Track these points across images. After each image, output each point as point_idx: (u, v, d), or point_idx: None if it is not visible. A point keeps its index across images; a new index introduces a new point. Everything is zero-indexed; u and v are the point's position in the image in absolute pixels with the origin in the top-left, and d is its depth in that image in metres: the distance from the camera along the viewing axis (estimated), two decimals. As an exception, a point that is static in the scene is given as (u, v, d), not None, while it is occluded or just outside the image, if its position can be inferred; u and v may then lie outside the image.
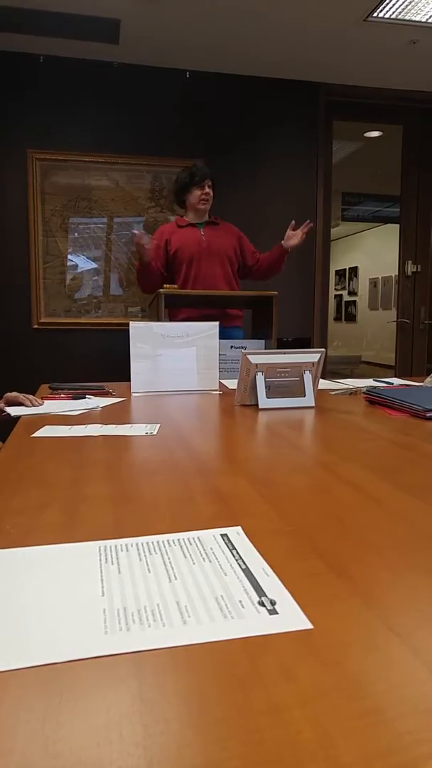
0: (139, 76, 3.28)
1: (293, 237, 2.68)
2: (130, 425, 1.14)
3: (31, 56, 3.15)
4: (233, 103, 3.41)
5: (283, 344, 3.02)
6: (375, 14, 2.74)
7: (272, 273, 2.83)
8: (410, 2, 2.65)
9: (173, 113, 3.34)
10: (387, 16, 2.76)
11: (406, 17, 2.77)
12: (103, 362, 3.26)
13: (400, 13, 2.74)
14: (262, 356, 1.33)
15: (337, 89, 3.51)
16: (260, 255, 2.82)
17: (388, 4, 2.66)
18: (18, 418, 1.24)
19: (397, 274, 4.01)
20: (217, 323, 1.71)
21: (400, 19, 2.79)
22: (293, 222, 2.72)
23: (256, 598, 0.43)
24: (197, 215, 2.74)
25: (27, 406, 1.35)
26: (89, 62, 3.21)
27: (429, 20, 2.80)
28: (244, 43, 3.04)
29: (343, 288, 8.39)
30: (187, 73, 3.33)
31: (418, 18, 2.78)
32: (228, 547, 0.53)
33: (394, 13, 2.74)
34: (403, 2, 2.65)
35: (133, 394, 1.59)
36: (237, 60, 3.22)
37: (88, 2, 2.63)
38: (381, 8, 2.69)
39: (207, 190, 2.68)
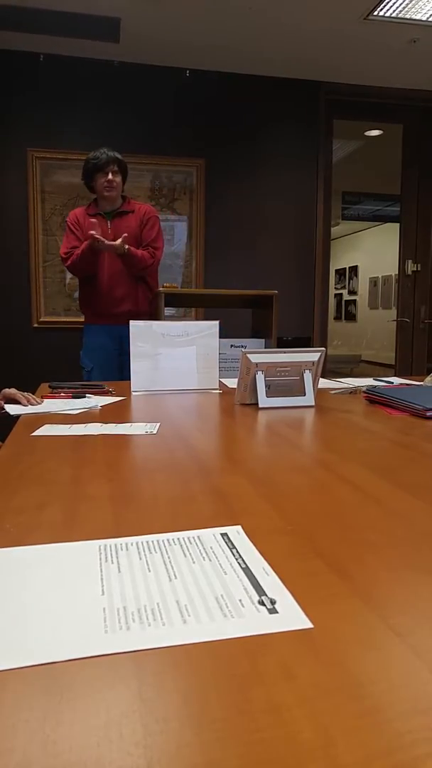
0: (140, 74, 3.27)
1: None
2: (129, 424, 1.14)
3: (31, 55, 3.14)
4: (233, 101, 3.41)
5: (283, 343, 3.02)
6: (375, 13, 2.74)
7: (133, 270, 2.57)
8: (411, 1, 2.64)
9: (173, 112, 3.33)
10: (387, 14, 2.76)
11: (407, 16, 2.77)
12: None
13: (401, 11, 2.73)
14: (262, 355, 1.33)
15: (337, 88, 3.51)
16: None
17: (388, 2, 2.66)
18: (17, 416, 1.24)
19: (397, 273, 4.01)
20: (216, 322, 1.71)
21: (400, 18, 2.79)
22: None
23: (256, 598, 0.43)
24: (106, 203, 2.56)
25: (24, 405, 1.35)
26: (89, 61, 3.20)
27: (429, 19, 2.80)
28: (244, 42, 3.03)
29: (343, 287, 8.39)
30: (188, 71, 3.32)
31: (418, 17, 2.78)
32: (228, 546, 0.53)
33: (394, 11, 2.73)
34: (404, 1, 2.65)
35: (133, 393, 1.59)
36: (237, 59, 3.22)
37: (88, 1, 2.63)
38: (381, 7, 2.69)
39: (110, 177, 2.48)
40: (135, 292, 2.59)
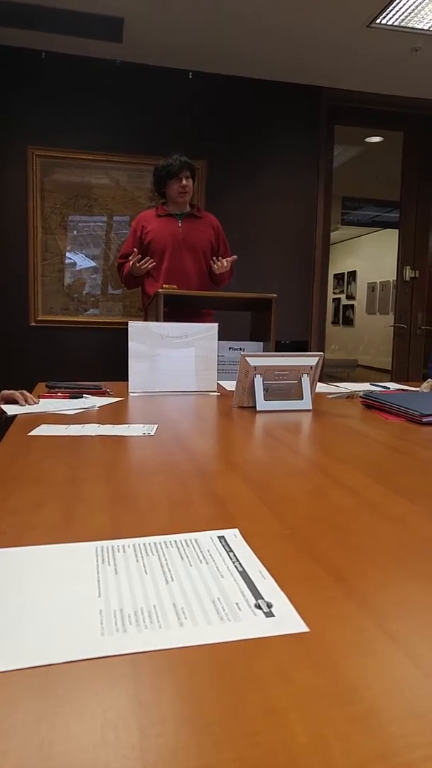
0: (142, 75, 3.28)
1: (217, 267, 2.68)
2: (127, 425, 1.14)
3: (33, 52, 3.14)
4: (235, 105, 3.41)
5: (280, 347, 3.02)
6: (378, 21, 2.75)
7: (216, 284, 2.83)
8: (414, 10, 2.66)
9: (175, 113, 3.34)
10: (390, 23, 2.77)
11: (409, 24, 2.78)
12: (100, 361, 3.26)
13: (404, 20, 2.75)
14: (260, 359, 1.34)
15: (339, 94, 3.52)
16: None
17: (391, 11, 2.67)
18: (14, 416, 1.24)
19: (395, 279, 4.02)
20: (216, 324, 1.71)
21: (403, 27, 2.80)
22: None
23: (252, 601, 0.43)
24: (177, 206, 2.71)
25: (21, 405, 1.34)
26: (92, 60, 3.20)
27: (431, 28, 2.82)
28: (247, 46, 3.04)
29: (342, 292, 8.41)
30: (190, 73, 3.33)
31: (420, 26, 2.79)
32: (225, 549, 0.53)
33: (397, 20, 2.75)
34: (407, 10, 2.66)
35: (131, 394, 1.59)
36: (240, 62, 3.23)
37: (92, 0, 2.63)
38: (384, 15, 2.70)
39: (184, 182, 2.63)
40: None
